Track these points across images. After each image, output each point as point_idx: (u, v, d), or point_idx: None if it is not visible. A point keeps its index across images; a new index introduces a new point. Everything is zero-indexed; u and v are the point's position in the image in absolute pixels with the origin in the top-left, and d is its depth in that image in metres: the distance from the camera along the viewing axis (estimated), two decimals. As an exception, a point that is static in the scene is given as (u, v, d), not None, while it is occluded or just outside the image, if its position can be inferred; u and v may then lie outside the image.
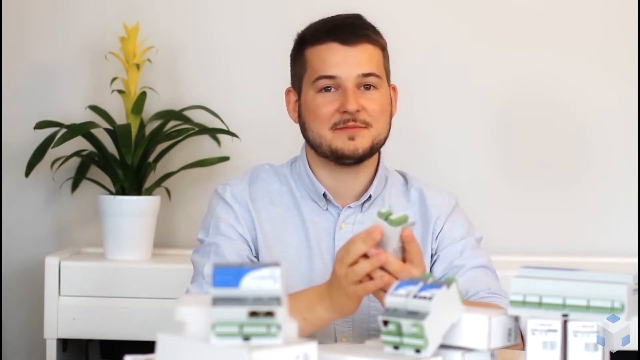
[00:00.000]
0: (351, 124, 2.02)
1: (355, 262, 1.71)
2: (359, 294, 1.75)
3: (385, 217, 1.71)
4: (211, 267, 2.01)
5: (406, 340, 1.46)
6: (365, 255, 1.71)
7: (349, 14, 2.11)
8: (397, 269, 1.70)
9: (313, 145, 2.07)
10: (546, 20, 3.03)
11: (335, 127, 2.03)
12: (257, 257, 2.08)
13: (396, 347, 1.48)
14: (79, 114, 2.95)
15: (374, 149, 2.06)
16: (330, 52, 2.04)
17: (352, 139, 2.02)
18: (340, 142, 2.03)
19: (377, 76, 2.05)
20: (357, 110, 2.02)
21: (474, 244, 2.11)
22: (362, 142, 2.03)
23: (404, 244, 1.73)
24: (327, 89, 2.04)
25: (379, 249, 1.71)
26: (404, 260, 1.73)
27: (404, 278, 1.67)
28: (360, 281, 1.72)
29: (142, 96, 2.81)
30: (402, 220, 1.71)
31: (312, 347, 1.39)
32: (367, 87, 2.04)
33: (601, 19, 3.02)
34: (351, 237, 1.74)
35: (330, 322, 1.85)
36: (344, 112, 2.02)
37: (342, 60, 2.03)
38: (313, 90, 2.05)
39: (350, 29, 2.05)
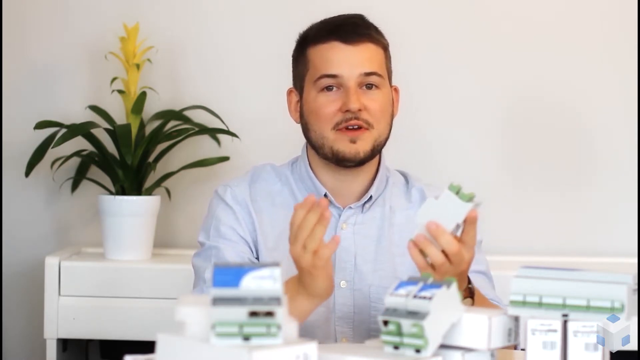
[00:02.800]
0: (353, 122, 2.02)
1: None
2: (317, 266, 1.76)
3: (457, 190, 1.70)
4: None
5: (406, 340, 1.46)
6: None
7: (351, 14, 2.10)
8: (454, 250, 1.71)
9: (315, 146, 2.07)
10: (549, 21, 3.02)
11: (337, 127, 2.03)
12: (257, 258, 2.07)
13: (396, 347, 1.48)
14: (79, 114, 2.95)
15: (375, 151, 2.06)
16: (332, 50, 2.04)
17: (353, 142, 2.02)
18: (342, 144, 2.03)
19: (379, 75, 2.05)
20: (359, 110, 2.01)
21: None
22: (363, 145, 2.03)
23: (466, 225, 1.72)
24: (329, 88, 2.04)
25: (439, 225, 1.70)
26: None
27: (456, 262, 1.69)
28: (316, 252, 1.74)
29: (142, 96, 2.81)
30: (472, 197, 1.70)
31: (312, 347, 1.39)
32: (369, 86, 2.04)
33: (605, 20, 3.02)
34: (293, 217, 1.75)
35: (312, 311, 1.85)
36: (346, 111, 2.01)
37: (344, 59, 2.03)
38: (315, 89, 2.05)
39: (352, 28, 2.05)
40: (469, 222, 1.72)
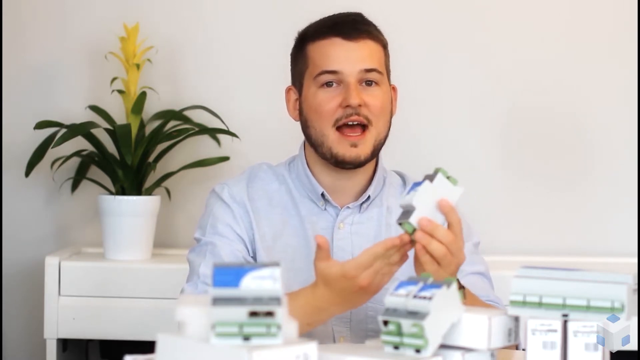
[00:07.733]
0: (354, 117, 2.01)
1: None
2: (381, 285, 1.78)
3: (447, 175, 1.74)
4: (208, 267, 2.01)
5: (406, 340, 1.46)
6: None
7: (350, 12, 2.11)
8: (450, 239, 1.74)
9: (314, 144, 2.07)
10: (549, 20, 3.02)
11: (337, 124, 2.02)
12: (253, 257, 2.07)
13: (396, 347, 1.48)
14: (79, 114, 2.95)
15: (375, 153, 2.06)
16: (332, 46, 2.04)
17: (354, 146, 2.02)
18: (342, 148, 2.03)
19: (379, 72, 2.05)
20: (360, 105, 2.01)
21: (472, 249, 2.10)
22: (364, 149, 2.03)
23: (447, 215, 1.76)
24: (329, 84, 2.04)
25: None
26: None
27: (455, 251, 1.74)
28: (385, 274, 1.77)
29: (142, 96, 2.81)
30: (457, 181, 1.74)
31: (312, 347, 1.39)
32: (369, 83, 2.04)
33: (606, 20, 3.02)
34: (376, 247, 1.76)
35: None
36: (347, 106, 2.01)
37: (344, 55, 2.03)
38: (315, 85, 2.05)
39: (352, 25, 2.05)
40: (449, 210, 1.74)
